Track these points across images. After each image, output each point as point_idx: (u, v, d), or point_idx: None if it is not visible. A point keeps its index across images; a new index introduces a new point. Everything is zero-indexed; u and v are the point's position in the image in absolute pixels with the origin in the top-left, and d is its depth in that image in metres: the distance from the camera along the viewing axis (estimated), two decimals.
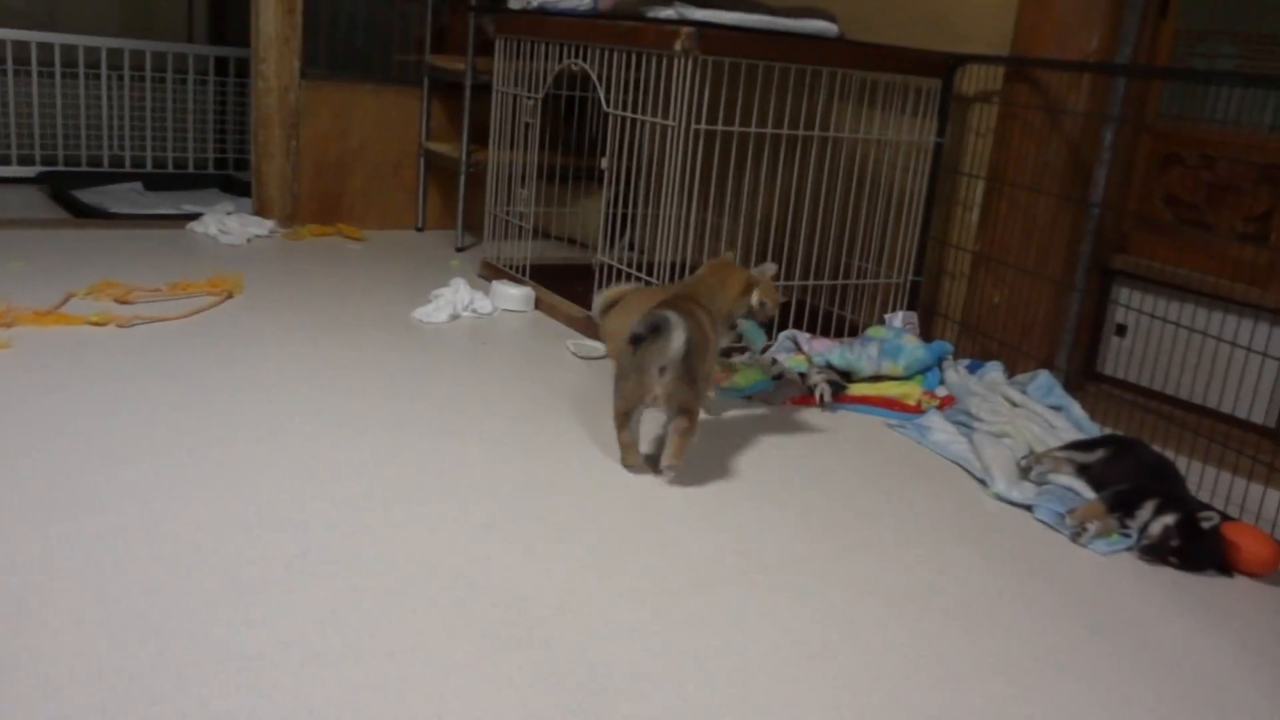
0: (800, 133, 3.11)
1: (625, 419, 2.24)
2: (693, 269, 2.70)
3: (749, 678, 1.56)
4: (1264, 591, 2.05)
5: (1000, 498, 2.32)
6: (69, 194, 4.53)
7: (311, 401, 2.44)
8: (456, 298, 3.32)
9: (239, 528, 1.82)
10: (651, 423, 2.37)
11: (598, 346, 3.03)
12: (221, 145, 5.58)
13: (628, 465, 2.28)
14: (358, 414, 2.40)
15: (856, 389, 2.89)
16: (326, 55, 4.38)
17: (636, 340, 2.14)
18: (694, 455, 2.36)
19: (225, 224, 4.05)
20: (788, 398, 2.76)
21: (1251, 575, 2.09)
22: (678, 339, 2.13)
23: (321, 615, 1.59)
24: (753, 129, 3.00)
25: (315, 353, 2.79)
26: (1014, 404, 2.74)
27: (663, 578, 1.82)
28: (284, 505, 1.92)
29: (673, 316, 2.14)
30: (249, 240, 3.99)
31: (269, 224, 4.14)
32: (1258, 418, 2.78)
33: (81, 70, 5.07)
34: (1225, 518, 2.18)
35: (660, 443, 2.30)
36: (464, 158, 4.08)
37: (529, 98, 3.47)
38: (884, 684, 1.58)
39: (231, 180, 5.25)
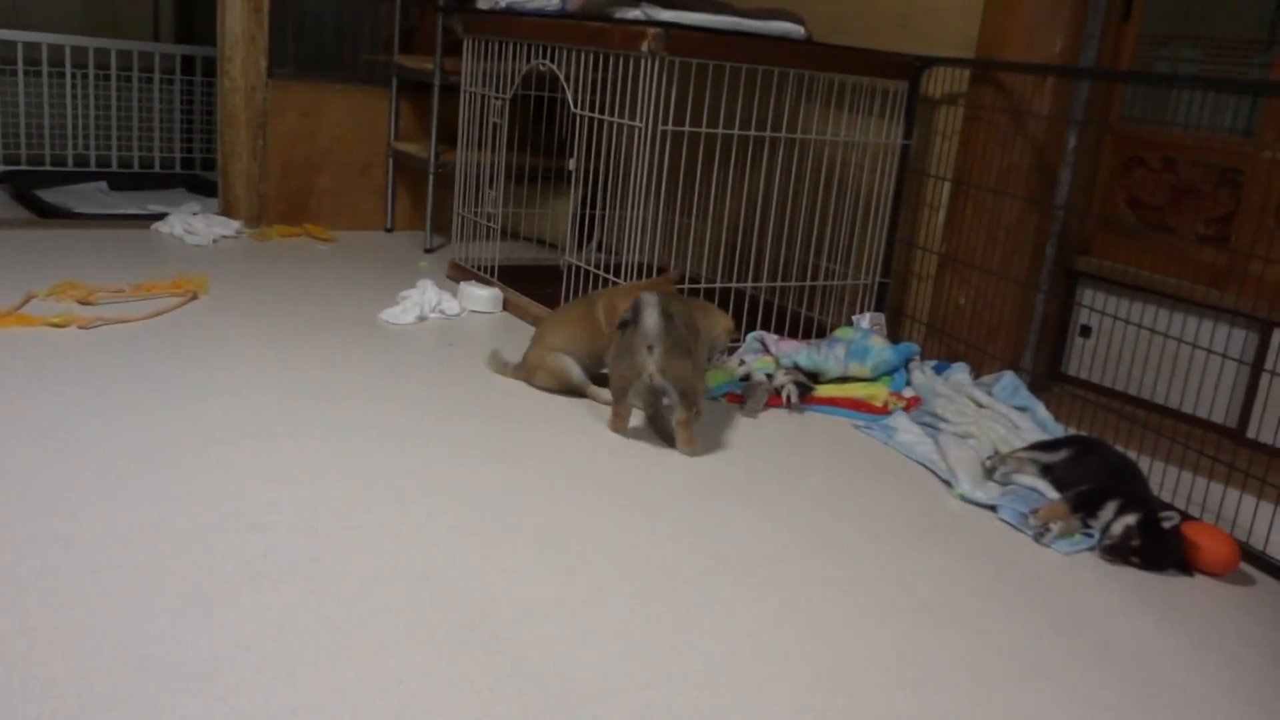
0: (768, 134, 3.12)
1: (623, 393, 2.40)
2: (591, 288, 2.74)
3: (715, 679, 1.56)
4: (1224, 590, 2.07)
5: (965, 498, 2.34)
6: (32, 193, 4.48)
7: (276, 403, 2.42)
8: (424, 299, 3.31)
9: (200, 530, 1.80)
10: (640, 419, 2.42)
11: None
12: (188, 145, 5.54)
13: (614, 429, 2.46)
14: (323, 416, 2.38)
15: (823, 390, 2.89)
16: (294, 54, 4.36)
17: (623, 325, 2.32)
18: (661, 457, 2.37)
19: (191, 224, 4.01)
20: (762, 404, 2.76)
21: (1211, 574, 2.11)
22: (650, 315, 2.28)
23: (281, 619, 1.57)
24: (720, 130, 3.01)
25: (281, 354, 2.77)
26: (979, 405, 2.75)
27: (629, 580, 1.82)
28: (247, 508, 1.90)
29: (648, 295, 2.30)
30: (215, 241, 3.96)
31: (235, 224, 4.11)
32: (1218, 418, 2.82)
33: (45, 68, 5.01)
34: (1186, 517, 2.20)
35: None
36: (432, 158, 4.07)
37: (497, 98, 3.46)
38: (850, 684, 1.59)
39: (198, 180, 5.21)
